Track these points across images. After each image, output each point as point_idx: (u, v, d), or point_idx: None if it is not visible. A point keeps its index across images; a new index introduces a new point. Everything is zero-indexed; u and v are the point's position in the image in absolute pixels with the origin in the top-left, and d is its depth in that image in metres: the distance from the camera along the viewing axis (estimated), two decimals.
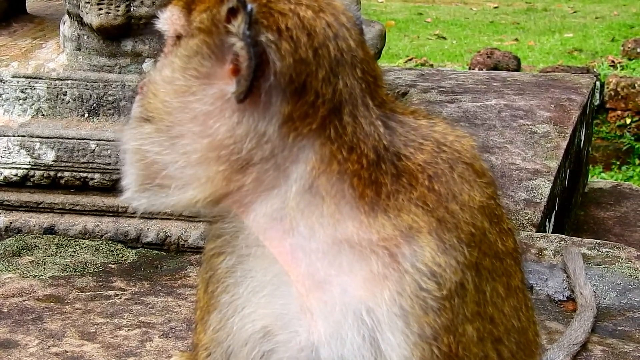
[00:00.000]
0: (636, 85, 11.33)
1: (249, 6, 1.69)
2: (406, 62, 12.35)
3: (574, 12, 17.03)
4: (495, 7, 17.78)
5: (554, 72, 9.78)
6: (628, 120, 11.36)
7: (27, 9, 5.18)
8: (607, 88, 11.30)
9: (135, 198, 1.92)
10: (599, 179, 9.18)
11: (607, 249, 4.46)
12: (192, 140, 1.80)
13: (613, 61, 12.56)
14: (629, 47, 13.00)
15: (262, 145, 1.78)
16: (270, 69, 1.73)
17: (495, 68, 11.14)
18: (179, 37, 1.86)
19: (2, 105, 4.45)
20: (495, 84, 7.26)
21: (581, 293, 3.93)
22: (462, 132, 2.03)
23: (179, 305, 3.81)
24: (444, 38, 14.89)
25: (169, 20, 1.88)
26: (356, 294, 1.82)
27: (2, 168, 4.39)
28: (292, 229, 1.84)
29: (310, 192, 1.81)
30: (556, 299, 4.03)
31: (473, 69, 10.91)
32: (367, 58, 1.89)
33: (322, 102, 1.79)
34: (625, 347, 3.65)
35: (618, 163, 11.18)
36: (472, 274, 1.85)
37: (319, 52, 1.77)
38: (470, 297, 1.85)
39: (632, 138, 11.34)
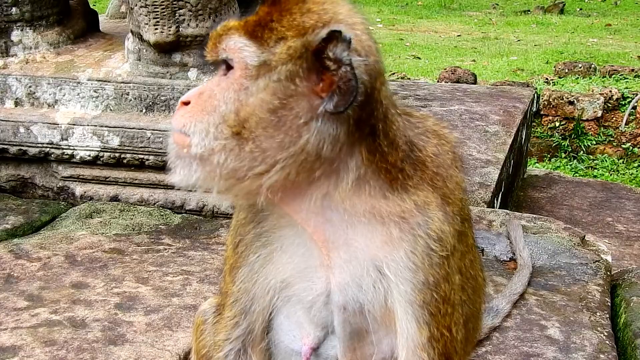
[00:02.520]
0: (564, 97, 11.30)
1: (347, 35, 1.62)
2: (389, 76, 12.27)
3: (518, 40, 16.96)
4: (458, 36, 17.70)
5: (503, 85, 9.73)
6: (557, 124, 11.33)
7: (100, 28, 5.14)
8: (542, 99, 11.26)
9: (185, 184, 1.80)
10: (535, 168, 9.13)
11: (541, 222, 4.44)
12: (279, 150, 1.69)
13: (547, 78, 12.52)
14: (559, 68, 12.97)
15: (334, 146, 1.70)
16: (359, 85, 1.66)
17: (458, 82, 11.07)
18: (264, 64, 1.68)
19: (79, 102, 4.42)
20: (457, 94, 7.22)
21: (520, 255, 3.90)
22: (446, 124, 2.05)
23: (212, 258, 3.77)
24: (419, 58, 14.82)
25: (236, 49, 1.71)
26: (376, 252, 1.81)
27: (79, 150, 4.35)
28: (334, 206, 1.79)
29: (360, 179, 1.76)
30: (501, 259, 4.00)
31: (440, 82, 10.84)
32: None
33: (379, 106, 1.74)
34: (554, 297, 3.62)
35: (549, 156, 11.18)
36: (459, 237, 1.86)
37: (377, 67, 1.73)
38: (457, 254, 1.86)
39: (560, 137, 11.34)
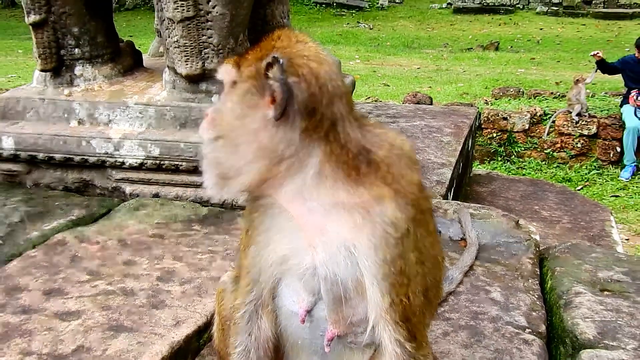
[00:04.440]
0: (499, 114, 11.35)
1: (282, 60, 1.63)
2: (365, 99, 12.25)
3: (464, 71, 16.97)
4: (418, 68, 17.70)
5: (453, 105, 9.72)
6: (494, 135, 11.39)
7: (144, 64, 5.09)
8: (483, 116, 11.29)
9: (213, 191, 1.82)
10: (478, 169, 9.12)
11: (484, 210, 4.40)
12: (247, 148, 1.72)
13: (486, 100, 12.55)
14: (495, 92, 13.02)
15: (290, 147, 1.70)
16: (294, 99, 1.66)
17: (418, 103, 11.08)
18: (234, 82, 1.76)
19: (128, 121, 4.36)
20: (419, 112, 7.18)
21: (469, 236, 3.87)
22: (404, 137, 1.98)
23: (232, 241, 3.73)
24: (388, 85, 14.81)
25: (225, 72, 1.80)
26: (346, 236, 1.77)
27: (128, 158, 4.30)
28: (309, 197, 1.77)
29: (319, 174, 1.75)
30: (454, 239, 3.96)
31: (405, 104, 10.82)
32: (347, 91, 1.82)
33: (325, 119, 1.72)
34: (496, 268, 3.60)
35: (488, 159, 11.22)
36: (412, 223, 1.80)
37: (322, 88, 1.70)
38: (412, 237, 1.80)
39: (497, 145, 11.39)
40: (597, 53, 11.39)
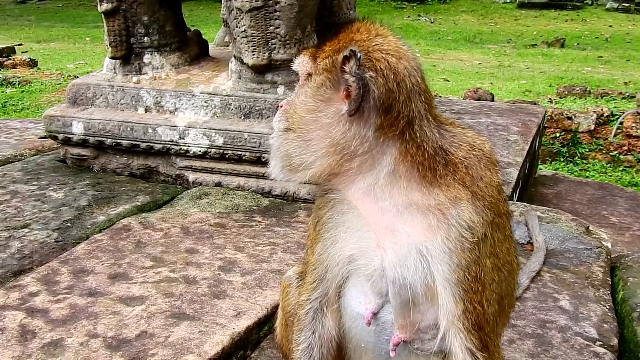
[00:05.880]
0: (563, 113, 10.95)
1: (359, 54, 1.57)
2: None
3: (527, 68, 16.49)
4: (479, 63, 17.29)
5: (520, 103, 9.44)
6: (557, 134, 10.99)
7: (210, 54, 5.10)
8: (546, 114, 10.93)
9: (278, 176, 1.80)
10: (541, 169, 8.83)
11: (553, 214, 4.23)
12: (318, 142, 1.68)
13: (550, 98, 12.14)
14: (560, 90, 12.57)
15: (363, 144, 1.65)
16: (370, 95, 1.60)
17: (479, 99, 10.80)
18: (309, 75, 1.72)
19: (193, 110, 4.38)
20: (484, 109, 6.99)
21: (536, 240, 3.73)
22: (484, 137, 1.88)
23: (293, 233, 3.70)
24: (448, 80, 14.52)
25: (301, 64, 1.76)
26: (418, 238, 1.70)
27: (192, 146, 4.32)
28: (380, 197, 1.71)
29: (393, 174, 1.69)
30: (521, 243, 3.82)
31: (465, 100, 10.58)
32: (426, 88, 1.74)
33: (402, 117, 1.65)
34: (564, 275, 3.44)
35: (550, 160, 10.87)
36: (490, 227, 1.72)
37: (400, 85, 1.63)
38: (488, 241, 1.72)
39: (560, 145, 11.00)
40: None
